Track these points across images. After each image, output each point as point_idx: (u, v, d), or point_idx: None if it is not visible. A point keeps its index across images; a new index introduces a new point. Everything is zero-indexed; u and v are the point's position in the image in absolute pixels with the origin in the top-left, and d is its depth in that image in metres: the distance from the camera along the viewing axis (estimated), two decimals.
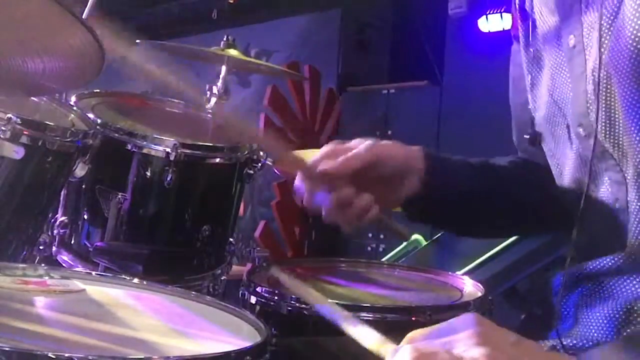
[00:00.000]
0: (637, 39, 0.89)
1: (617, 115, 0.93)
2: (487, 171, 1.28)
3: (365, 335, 0.81)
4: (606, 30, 0.93)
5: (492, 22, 4.08)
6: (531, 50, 1.10)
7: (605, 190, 0.98)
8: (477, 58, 4.15)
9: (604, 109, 0.94)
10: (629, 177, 0.94)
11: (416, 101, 4.50)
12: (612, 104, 0.93)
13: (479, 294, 1.39)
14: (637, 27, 0.89)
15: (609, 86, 0.93)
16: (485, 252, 2.76)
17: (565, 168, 1.06)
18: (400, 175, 1.19)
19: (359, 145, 1.16)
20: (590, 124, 0.96)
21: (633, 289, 0.94)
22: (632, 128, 0.91)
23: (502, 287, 2.76)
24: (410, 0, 4.57)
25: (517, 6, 1.15)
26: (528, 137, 1.08)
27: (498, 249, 2.74)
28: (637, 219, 0.94)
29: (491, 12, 4.07)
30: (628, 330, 0.93)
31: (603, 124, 0.95)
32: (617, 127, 0.93)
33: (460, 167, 1.27)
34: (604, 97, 0.94)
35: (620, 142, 0.93)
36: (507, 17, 3.97)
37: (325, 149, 1.17)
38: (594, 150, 0.96)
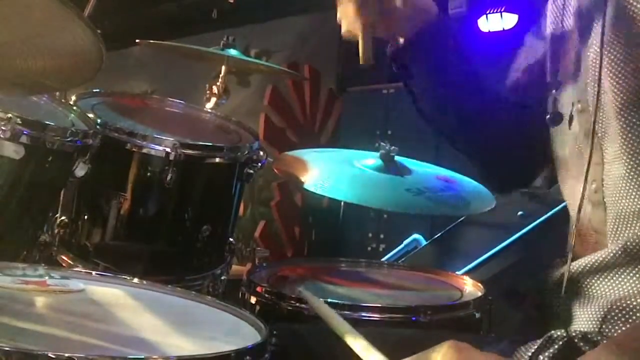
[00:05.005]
0: (635, 16, 0.90)
1: (606, 93, 0.94)
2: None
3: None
4: (609, 9, 0.94)
5: (492, 22, 4.07)
6: (558, 32, 1.11)
7: (591, 173, 0.98)
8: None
9: (595, 86, 0.96)
10: (606, 159, 0.95)
11: None
12: (603, 81, 0.95)
13: (479, 294, 1.39)
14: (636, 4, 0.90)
15: (604, 63, 0.94)
16: (485, 252, 2.76)
17: (567, 152, 1.06)
18: None
19: None
20: (586, 99, 0.98)
21: (616, 286, 0.94)
22: (618, 108, 0.92)
23: (502, 287, 2.76)
24: None
25: None
26: (549, 116, 1.08)
27: (498, 248, 2.74)
28: (613, 211, 0.94)
29: (491, 12, 4.06)
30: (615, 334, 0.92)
31: (593, 101, 0.96)
32: (604, 105, 0.95)
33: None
34: (597, 75, 0.95)
35: (605, 122, 0.95)
36: (507, 17, 3.97)
37: None
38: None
